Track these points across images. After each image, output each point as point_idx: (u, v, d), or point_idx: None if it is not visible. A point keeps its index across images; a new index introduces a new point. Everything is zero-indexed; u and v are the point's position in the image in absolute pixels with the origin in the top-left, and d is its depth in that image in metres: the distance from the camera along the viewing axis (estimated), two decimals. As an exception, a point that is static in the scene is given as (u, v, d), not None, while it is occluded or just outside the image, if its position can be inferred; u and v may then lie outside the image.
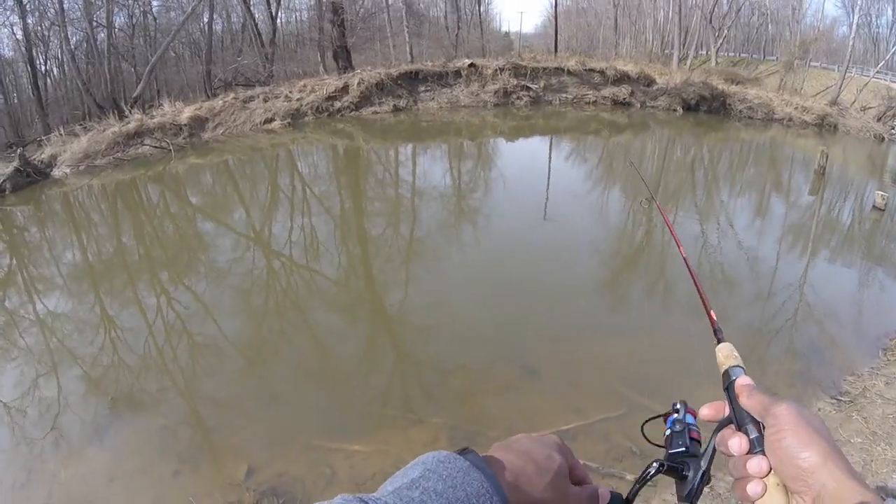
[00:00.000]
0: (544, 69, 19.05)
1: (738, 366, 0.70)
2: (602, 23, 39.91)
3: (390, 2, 24.94)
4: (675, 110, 19.48)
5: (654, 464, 0.68)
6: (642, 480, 0.69)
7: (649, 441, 0.77)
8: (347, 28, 20.09)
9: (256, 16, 21.63)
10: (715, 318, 0.85)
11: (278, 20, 22.84)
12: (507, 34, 42.24)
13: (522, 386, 4.70)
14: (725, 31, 34.06)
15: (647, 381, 4.59)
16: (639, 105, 19.61)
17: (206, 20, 20.46)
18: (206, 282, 7.05)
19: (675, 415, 0.73)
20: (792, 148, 18.41)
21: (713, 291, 6.85)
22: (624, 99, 19.38)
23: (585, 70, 19.57)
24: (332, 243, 8.21)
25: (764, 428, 0.60)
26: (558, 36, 27.99)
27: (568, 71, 19.29)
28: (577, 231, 8.79)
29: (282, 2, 23.04)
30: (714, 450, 0.66)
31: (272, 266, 7.57)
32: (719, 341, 0.76)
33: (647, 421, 0.80)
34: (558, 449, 0.63)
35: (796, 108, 22.06)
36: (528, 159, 13.83)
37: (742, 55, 36.70)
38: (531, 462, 0.59)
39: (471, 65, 18.49)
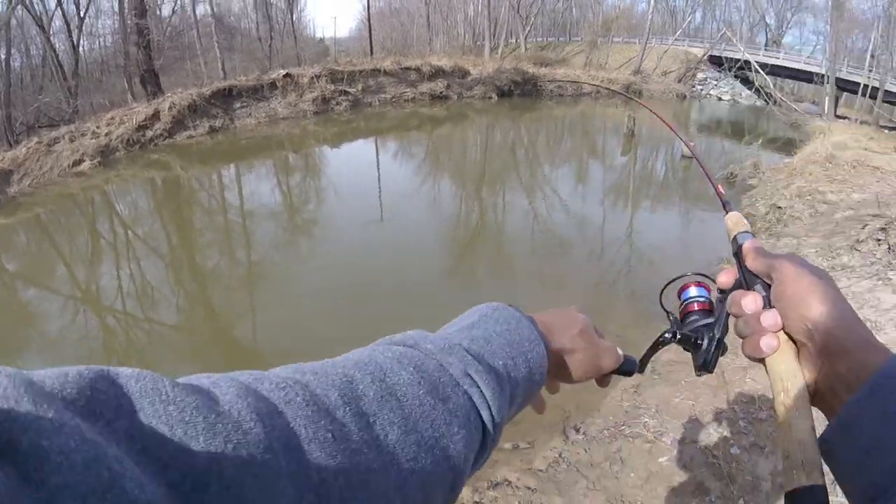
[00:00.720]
0: (361, 72, 18.97)
1: (746, 231, 0.70)
2: (415, 21, 40.43)
3: (199, 17, 23.66)
4: (490, 98, 20.40)
5: (667, 333, 0.70)
6: (655, 346, 0.72)
7: (665, 309, 0.76)
8: (154, 49, 18.72)
9: (57, 45, 19.49)
10: (722, 190, 0.86)
11: (80, 48, 20.74)
12: (321, 40, 41.74)
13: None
14: (532, 19, 35.72)
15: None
16: (456, 97, 20.16)
17: (2, 56, 17.43)
18: (38, 355, 6.52)
19: (688, 289, 0.72)
20: (602, 117, 19.75)
21: (551, 257, 7.34)
22: (441, 93, 19.81)
23: (401, 69, 19.75)
24: (167, 286, 7.69)
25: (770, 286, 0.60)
26: (373, 38, 28.02)
27: (384, 71, 19.36)
28: (415, 227, 8.93)
29: (83, 28, 21.00)
30: (727, 315, 0.66)
31: (107, 325, 6.91)
32: (727, 212, 0.77)
33: (664, 287, 0.79)
34: (580, 312, 0.67)
35: (602, 81, 23.95)
36: (355, 164, 13.81)
37: (549, 39, 38.67)
38: (560, 317, 0.64)
39: (286, 75, 17.87)
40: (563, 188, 11.21)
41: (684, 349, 0.69)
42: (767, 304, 0.59)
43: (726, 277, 0.67)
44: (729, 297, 0.63)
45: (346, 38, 44.19)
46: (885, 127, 23.12)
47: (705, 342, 0.67)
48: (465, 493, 2.65)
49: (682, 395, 3.28)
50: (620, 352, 0.68)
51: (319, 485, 0.34)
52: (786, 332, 0.57)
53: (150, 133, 15.27)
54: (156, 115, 15.61)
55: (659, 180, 12.19)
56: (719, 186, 0.88)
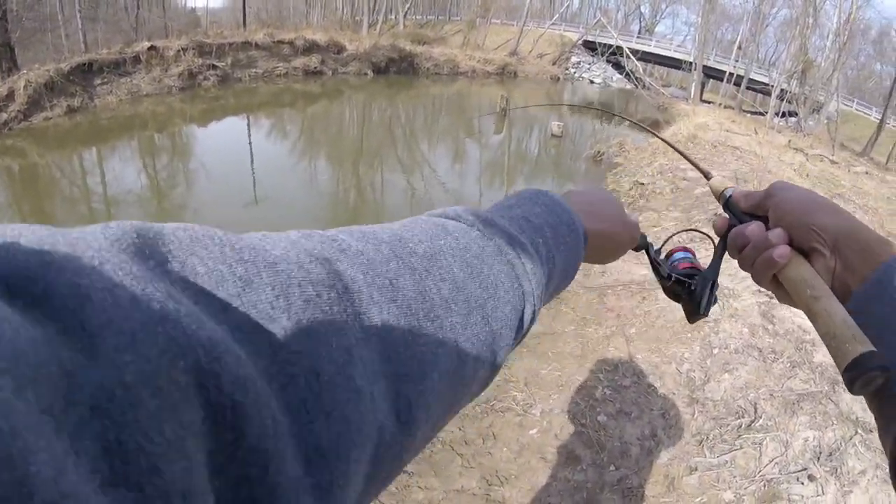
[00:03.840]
0: (231, 45, 18.00)
1: (731, 187, 0.71)
2: (293, -9, 39.21)
3: (60, -18, 21.37)
4: (365, 74, 20.05)
5: (663, 271, 0.71)
6: (653, 265, 0.73)
7: (656, 263, 0.74)
8: (11, 20, 16.82)
9: None
10: (699, 163, 0.86)
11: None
12: (193, 10, 39.63)
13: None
14: (413, -4, 35.60)
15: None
16: (330, 73, 19.65)
17: None
18: None
19: (674, 254, 0.74)
20: (478, 97, 20.10)
21: None
22: (315, 68, 19.24)
23: (274, 42, 18.99)
24: None
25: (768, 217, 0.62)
26: (247, 8, 27.00)
27: (256, 45, 18.52)
28: (292, 207, 8.70)
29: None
30: (719, 259, 0.68)
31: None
32: (709, 178, 0.77)
33: (656, 251, 0.76)
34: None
35: (479, 61, 24.42)
36: (226, 143, 13.21)
37: (429, 17, 38.78)
38: (595, 199, 0.64)
39: (151, 48, 16.64)
40: (440, 166, 11.29)
41: (674, 297, 0.72)
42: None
43: (721, 223, 0.69)
44: (731, 234, 0.65)
45: (220, 9, 41.80)
46: (747, 111, 25.05)
47: (699, 286, 0.68)
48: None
49: (550, 366, 3.30)
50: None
51: (382, 328, 0.33)
52: (792, 247, 0.59)
53: (4, 116, 13.49)
54: (10, 96, 13.88)
55: (532, 158, 12.51)
56: (699, 164, 0.88)
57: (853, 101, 31.20)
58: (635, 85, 26.09)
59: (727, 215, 0.70)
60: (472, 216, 0.48)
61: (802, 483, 2.37)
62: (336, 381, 0.28)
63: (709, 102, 26.00)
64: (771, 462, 2.48)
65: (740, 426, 2.70)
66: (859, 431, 2.58)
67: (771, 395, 2.87)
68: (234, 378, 0.23)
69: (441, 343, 0.37)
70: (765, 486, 2.38)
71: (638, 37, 34.96)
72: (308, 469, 0.26)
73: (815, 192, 0.61)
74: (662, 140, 0.97)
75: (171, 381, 0.20)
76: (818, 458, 2.47)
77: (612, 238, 0.63)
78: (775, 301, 3.11)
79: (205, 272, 0.26)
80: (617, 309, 3.82)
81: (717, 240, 0.70)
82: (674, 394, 2.97)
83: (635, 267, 4.48)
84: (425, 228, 0.44)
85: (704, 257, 0.70)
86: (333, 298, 0.31)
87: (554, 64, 30.20)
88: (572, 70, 31.04)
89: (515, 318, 0.45)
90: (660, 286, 0.73)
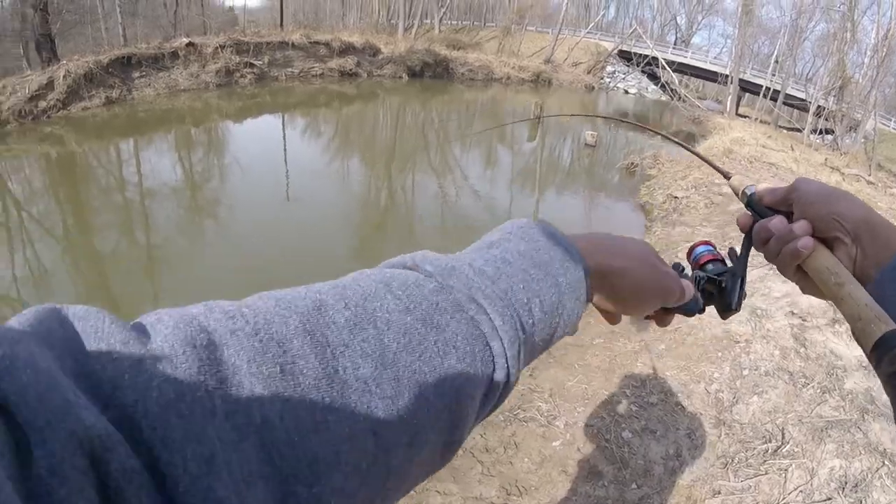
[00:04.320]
0: (268, 44, 18.24)
1: (751, 185, 0.72)
2: (330, -7, 39.54)
3: (102, -24, 21.83)
4: (400, 77, 20.14)
5: (693, 275, 0.70)
6: (697, 288, 0.68)
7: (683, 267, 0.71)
8: (52, 12, 17.16)
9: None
10: (718, 165, 0.85)
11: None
12: (231, 9, 40.12)
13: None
14: (448, 1, 35.53)
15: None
16: (366, 75, 19.77)
17: None
18: None
19: (696, 248, 0.73)
20: (512, 103, 20.06)
21: (458, 239, 7.14)
22: (351, 70, 19.38)
23: (311, 43, 19.18)
24: (63, 271, 7.21)
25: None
26: (284, 9, 27.30)
27: (293, 44, 18.74)
28: (323, 206, 8.71)
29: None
30: (746, 254, 0.68)
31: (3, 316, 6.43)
32: (729, 178, 0.77)
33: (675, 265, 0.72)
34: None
35: (513, 68, 24.43)
36: (261, 140, 13.33)
37: (464, 23, 38.90)
38: (609, 238, 0.56)
39: (189, 44, 16.91)
40: (472, 171, 11.29)
41: (707, 296, 0.69)
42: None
43: (744, 219, 0.70)
44: (756, 228, 0.66)
45: (258, 9, 42.48)
46: (783, 127, 24.69)
47: (729, 282, 0.68)
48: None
49: (576, 378, 3.28)
50: (691, 289, 0.62)
51: (262, 426, 0.30)
52: (815, 237, 0.60)
53: (43, 104, 13.87)
54: (50, 85, 14.23)
55: (565, 167, 12.48)
56: (716, 163, 0.89)
57: (891, 120, 30.53)
58: (670, 97, 25.86)
59: (749, 213, 0.71)
60: (431, 265, 0.42)
61: (827, 512, 2.34)
62: (192, 492, 0.27)
63: (744, 117, 25.63)
64: (795, 490, 2.45)
65: (766, 451, 2.67)
66: (886, 463, 2.53)
67: (799, 420, 2.83)
68: (121, 468, 0.24)
69: (349, 437, 0.32)
70: (789, 513, 2.35)
71: (674, 48, 34.67)
72: None
73: (833, 186, 0.63)
74: (681, 145, 0.96)
75: (73, 467, 0.23)
76: (843, 489, 2.43)
77: (633, 284, 0.53)
78: (808, 324, 3.07)
79: (89, 368, 0.27)
80: (647, 324, 3.78)
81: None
82: (701, 414, 2.94)
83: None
84: (363, 288, 0.39)
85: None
86: (199, 399, 0.28)
87: (589, 73, 30.06)
88: (607, 80, 30.84)
89: (478, 386, 0.40)
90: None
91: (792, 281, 0.65)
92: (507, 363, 0.41)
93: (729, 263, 0.70)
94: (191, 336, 0.30)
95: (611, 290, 0.53)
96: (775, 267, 0.65)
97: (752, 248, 0.69)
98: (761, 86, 28.32)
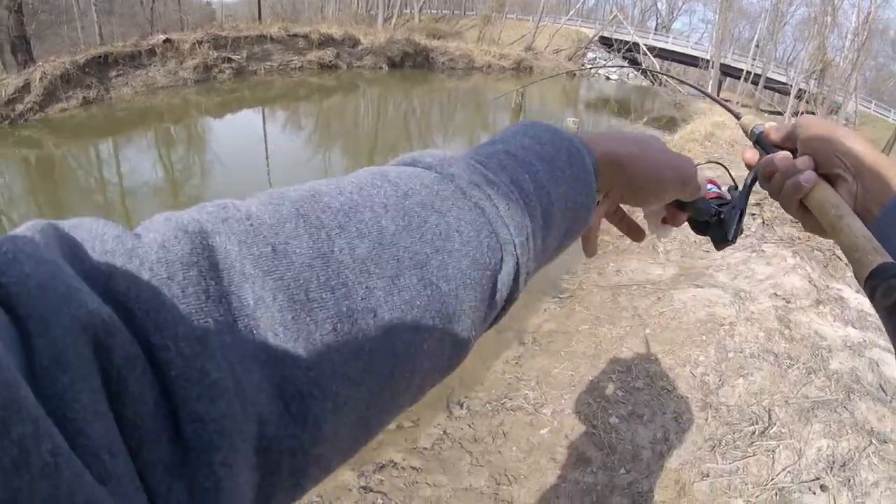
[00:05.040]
0: (246, 38, 18.06)
1: (760, 124, 0.73)
2: (308, -14, 39.22)
3: (76, -25, 21.56)
4: (380, 68, 19.94)
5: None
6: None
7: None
8: (27, 13, 16.84)
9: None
10: (726, 104, 0.88)
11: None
12: (208, 3, 39.73)
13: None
14: (429, -10, 35.56)
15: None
16: (345, 66, 19.54)
17: None
18: None
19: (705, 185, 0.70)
20: (494, 91, 20.03)
21: None
22: (330, 62, 19.14)
23: (289, 36, 18.97)
24: None
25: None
26: (262, 2, 27.05)
27: (271, 38, 18.56)
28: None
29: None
30: (749, 188, 0.69)
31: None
32: (739, 117, 0.78)
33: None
34: None
35: (494, 57, 24.34)
36: (242, 135, 13.28)
37: (444, 12, 38.71)
38: (615, 133, 0.55)
39: (166, 40, 16.65)
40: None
41: (698, 228, 0.71)
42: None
43: (751, 155, 0.71)
44: (761, 163, 0.67)
45: (235, 3, 42.07)
46: (765, 111, 24.85)
47: (728, 214, 0.68)
48: (351, 476, 2.54)
49: (562, 365, 3.28)
50: (704, 182, 0.64)
51: (255, 306, 0.29)
52: (819, 174, 0.61)
53: (20, 107, 13.55)
54: (26, 87, 13.91)
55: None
56: (726, 103, 0.92)
57: (871, 103, 30.84)
58: (651, 82, 25.94)
59: (757, 150, 0.72)
60: (432, 158, 0.42)
61: (814, 493, 2.35)
62: (186, 375, 0.26)
63: (726, 101, 25.78)
64: (783, 470, 2.45)
65: (754, 433, 2.67)
66: (874, 442, 2.55)
67: (786, 401, 2.84)
68: (125, 355, 0.24)
69: (346, 316, 0.31)
70: (776, 494, 2.36)
71: (654, 33, 34.77)
72: (183, 461, 0.26)
73: (839, 123, 0.64)
74: (697, 89, 0.96)
75: (77, 354, 0.22)
76: (831, 468, 2.44)
77: (647, 165, 0.53)
78: (792, 305, 3.08)
79: (85, 265, 0.26)
80: (631, 309, 3.78)
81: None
82: (687, 397, 2.94)
83: (651, 266, 4.45)
84: (358, 179, 0.38)
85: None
86: (191, 278, 0.28)
87: (570, 60, 30.06)
88: (588, 66, 30.89)
89: (485, 274, 0.38)
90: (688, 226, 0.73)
91: (794, 217, 0.66)
92: (515, 251, 0.39)
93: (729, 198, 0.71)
94: (182, 224, 0.30)
95: (625, 178, 0.52)
96: (779, 204, 0.66)
97: (756, 183, 0.70)
98: (742, 70, 28.52)
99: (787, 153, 0.65)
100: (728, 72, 29.93)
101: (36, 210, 9.42)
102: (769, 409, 2.80)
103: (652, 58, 28.78)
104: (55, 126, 13.55)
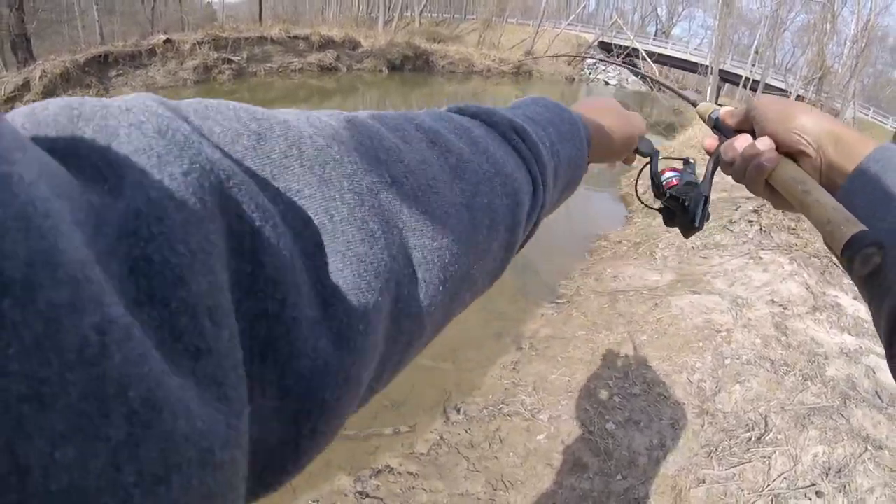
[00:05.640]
0: (247, 39, 18.05)
1: (716, 108, 0.75)
2: (309, -12, 39.20)
3: (77, -26, 21.45)
4: (380, 71, 19.98)
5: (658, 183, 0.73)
6: (643, 174, 0.75)
7: (657, 179, 0.75)
8: (28, 11, 16.78)
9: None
10: (683, 92, 0.91)
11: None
12: (209, 4, 39.77)
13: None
14: (428, -7, 35.52)
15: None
16: (345, 69, 19.57)
17: None
18: None
19: (664, 174, 0.74)
20: (492, 96, 20.05)
21: None
22: (330, 64, 19.18)
23: (290, 37, 18.98)
24: None
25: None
26: (263, 3, 27.06)
27: (272, 39, 18.55)
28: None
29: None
30: (712, 173, 0.70)
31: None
32: (696, 104, 0.80)
33: (637, 177, 0.82)
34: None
35: (494, 61, 24.39)
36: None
37: (445, 16, 38.70)
38: (594, 102, 0.67)
39: (166, 41, 16.67)
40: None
41: (669, 218, 0.73)
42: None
43: (710, 142, 0.73)
44: (721, 148, 0.67)
45: (236, 4, 42.04)
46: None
47: (692, 201, 0.69)
48: (347, 481, 2.54)
49: (559, 371, 3.28)
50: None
51: (393, 182, 0.33)
52: (780, 151, 0.61)
53: (19, 105, 12.85)
54: (26, 86, 13.89)
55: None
56: (684, 92, 0.95)
57: (870, 110, 30.90)
58: (650, 87, 25.97)
59: (716, 136, 0.73)
60: (477, 108, 0.49)
61: (810, 499, 2.35)
62: (349, 221, 0.29)
63: (725, 107, 25.81)
64: (779, 477, 2.46)
65: (750, 439, 2.68)
66: (869, 448, 2.55)
67: (782, 408, 2.84)
68: (255, 206, 0.23)
69: (452, 204, 0.37)
70: (772, 501, 2.36)
71: (654, 39, 34.80)
72: (325, 312, 0.26)
73: (793, 100, 0.65)
74: (650, 77, 0.99)
75: (196, 198, 0.21)
76: (827, 475, 2.45)
77: (616, 130, 0.64)
78: (789, 312, 3.08)
79: (221, 131, 0.26)
80: (628, 315, 3.78)
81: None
82: (684, 404, 2.95)
83: (648, 272, 4.45)
84: (429, 114, 0.45)
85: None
86: (343, 151, 0.31)
87: (569, 64, 30.09)
88: (587, 71, 30.91)
89: (526, 197, 0.46)
90: (658, 213, 0.76)
91: (763, 197, 0.66)
92: (542, 185, 0.48)
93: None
94: (318, 115, 0.35)
95: (606, 144, 0.63)
96: (745, 187, 0.66)
97: (718, 168, 0.71)
98: (741, 76, 28.52)
99: (746, 136, 0.65)
100: (727, 78, 29.97)
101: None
102: (765, 416, 2.80)
103: (651, 63, 28.82)
104: (54, 126, 13.26)
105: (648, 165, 0.75)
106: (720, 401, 2.94)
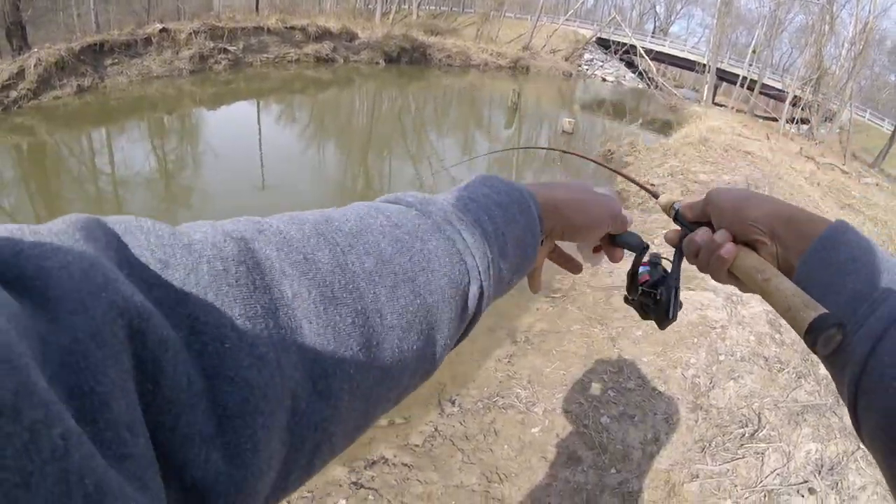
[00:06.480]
0: (243, 29, 17.95)
1: (678, 201, 0.76)
2: (306, -22, 39.02)
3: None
4: (377, 63, 19.90)
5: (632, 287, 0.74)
6: (632, 277, 0.74)
7: (634, 278, 0.75)
8: (23, 0, 16.61)
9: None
10: (648, 186, 0.89)
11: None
12: (206, -7, 39.53)
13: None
14: (427, -14, 35.41)
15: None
16: (342, 60, 19.48)
17: None
18: None
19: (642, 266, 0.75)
20: (490, 90, 20.02)
21: None
22: (327, 55, 19.06)
23: (286, 28, 18.92)
24: None
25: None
26: (261, -7, 26.92)
27: (268, 30, 18.48)
28: (299, 194, 8.70)
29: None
30: (679, 265, 0.71)
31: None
32: (657, 196, 0.81)
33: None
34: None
35: (491, 55, 24.37)
36: (236, 127, 13.18)
37: (442, 9, 38.52)
38: (556, 183, 0.65)
39: (162, 30, 16.55)
40: (449, 157, 11.24)
41: (642, 313, 0.75)
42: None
43: (672, 235, 0.73)
44: (684, 242, 0.69)
45: (234, -6, 41.81)
46: (760, 116, 24.92)
47: (663, 294, 0.71)
48: (342, 472, 2.54)
49: (554, 365, 3.28)
50: (628, 216, 0.69)
51: (293, 299, 0.35)
52: (738, 242, 0.64)
53: (14, 94, 13.28)
54: (20, 74, 13.68)
55: (541, 153, 12.46)
56: (642, 181, 0.94)
57: (866, 112, 31.02)
58: (647, 85, 25.99)
59: (678, 227, 0.74)
60: (412, 198, 0.50)
61: (803, 496, 2.36)
62: (238, 347, 0.31)
63: (721, 106, 25.89)
64: (772, 473, 2.47)
65: (743, 435, 2.69)
66: (861, 447, 2.56)
67: (775, 405, 2.85)
68: (158, 338, 0.27)
69: (361, 313, 0.38)
70: (765, 496, 2.37)
71: (652, 36, 34.86)
72: (219, 429, 0.29)
73: (746, 189, 0.68)
74: (610, 168, 0.99)
75: (112, 334, 0.25)
76: (819, 472, 2.46)
77: (580, 207, 0.63)
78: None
79: (135, 259, 0.30)
80: (623, 310, 3.78)
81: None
82: (678, 399, 2.96)
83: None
84: (358, 210, 0.45)
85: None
86: (242, 272, 0.33)
87: (566, 60, 30.06)
88: (585, 67, 30.89)
89: (457, 293, 0.46)
90: (632, 300, 0.76)
91: (729, 284, 0.68)
92: (479, 276, 0.47)
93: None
94: (226, 230, 0.36)
95: (564, 219, 0.61)
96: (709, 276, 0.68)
97: (684, 260, 0.72)
98: (738, 75, 28.59)
99: (705, 229, 0.67)
100: (724, 76, 30.03)
101: (28, 198, 9.37)
102: (759, 412, 2.82)
103: (649, 60, 28.83)
104: (49, 113, 13.37)
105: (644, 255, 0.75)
106: (714, 396, 2.96)
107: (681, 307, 0.72)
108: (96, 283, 0.25)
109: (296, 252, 0.37)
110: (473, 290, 0.47)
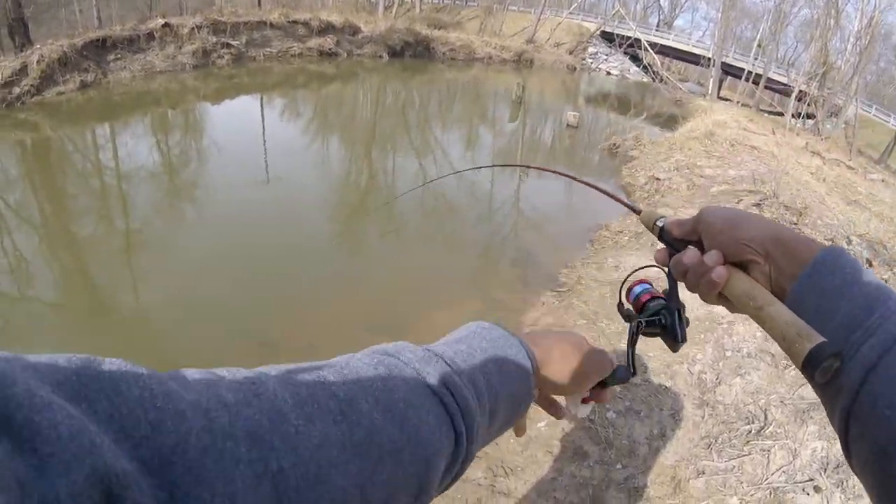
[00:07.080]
0: (246, 23, 17.93)
1: (662, 217, 0.74)
2: (309, -28, 38.90)
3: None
4: (381, 57, 19.91)
5: (634, 327, 0.73)
6: (632, 343, 0.74)
7: (623, 313, 0.77)
8: None
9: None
10: (627, 201, 0.89)
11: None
12: (208, -13, 39.43)
13: (259, 362, 4.57)
14: (430, -21, 35.24)
15: (392, 318, 4.62)
16: (345, 54, 19.49)
17: None
18: None
19: (633, 288, 0.77)
20: (494, 84, 19.95)
21: (440, 222, 7.33)
22: (330, 49, 19.07)
23: (289, 22, 18.86)
24: (41, 258, 7.01)
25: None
26: (263, -13, 26.86)
27: (271, 24, 18.44)
28: (303, 188, 8.69)
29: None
30: (675, 285, 0.70)
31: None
32: (639, 213, 0.80)
33: (619, 305, 0.80)
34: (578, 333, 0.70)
35: (495, 48, 24.31)
36: (239, 122, 13.14)
37: (446, 2, 38.39)
38: (555, 336, 0.67)
39: (165, 25, 16.52)
40: (453, 151, 11.24)
41: (652, 335, 0.73)
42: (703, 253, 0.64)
43: (661, 255, 0.72)
44: (671, 263, 0.68)
45: (236, -11, 41.68)
46: (765, 111, 24.82)
47: (668, 319, 0.70)
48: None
49: (562, 361, 3.27)
50: (614, 359, 0.70)
51: (277, 473, 0.37)
52: (729, 263, 0.62)
53: (17, 90, 13.39)
54: (23, 70, 13.70)
55: (546, 147, 12.43)
56: (622, 197, 0.94)
57: (872, 107, 30.87)
58: (652, 78, 25.89)
59: (664, 246, 0.73)
60: (411, 353, 0.52)
61: (808, 494, 2.36)
62: None
63: (726, 100, 25.82)
64: (778, 470, 2.46)
65: (749, 432, 2.68)
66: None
67: (782, 402, 2.85)
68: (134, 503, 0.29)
69: (340, 489, 0.40)
70: (771, 494, 2.37)
71: (656, 30, 34.68)
72: None
73: (738, 209, 0.66)
74: (591, 185, 0.95)
75: (90, 498, 0.27)
76: (825, 470, 2.45)
77: (572, 366, 0.65)
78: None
79: (126, 413, 0.32)
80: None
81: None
82: (684, 395, 2.95)
83: (648, 261, 4.45)
84: (355, 367, 0.48)
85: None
86: (229, 448, 0.35)
87: (571, 53, 29.97)
88: (589, 60, 30.79)
89: (442, 459, 0.48)
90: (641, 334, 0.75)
91: (719, 305, 0.66)
92: (466, 439, 0.50)
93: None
94: (220, 396, 0.38)
95: (557, 372, 0.63)
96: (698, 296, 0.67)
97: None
98: (743, 69, 28.50)
99: (694, 250, 0.65)
100: (729, 70, 29.94)
101: (32, 193, 9.33)
102: (765, 409, 2.81)
103: (653, 54, 28.74)
104: (52, 109, 13.39)
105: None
106: (721, 393, 2.95)
107: (688, 324, 0.72)
108: (82, 447, 0.27)
109: (287, 424, 0.39)
110: (458, 454, 0.50)
